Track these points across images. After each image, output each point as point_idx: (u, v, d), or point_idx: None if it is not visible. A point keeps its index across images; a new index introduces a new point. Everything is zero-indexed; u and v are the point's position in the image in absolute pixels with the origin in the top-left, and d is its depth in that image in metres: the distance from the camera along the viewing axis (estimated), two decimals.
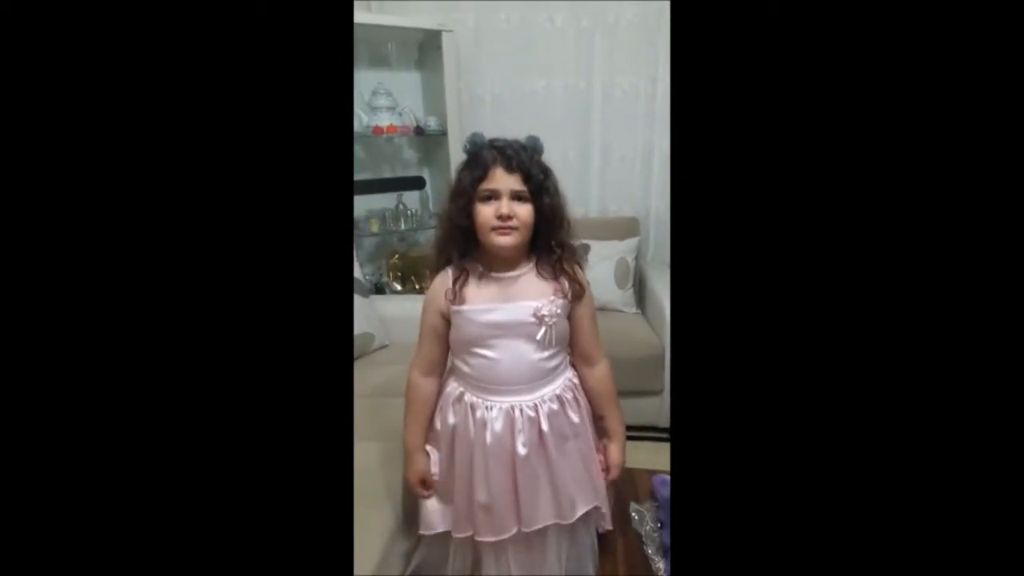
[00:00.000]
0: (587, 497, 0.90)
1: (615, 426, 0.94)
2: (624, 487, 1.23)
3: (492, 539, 0.88)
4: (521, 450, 0.84)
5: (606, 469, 0.94)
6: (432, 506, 0.95)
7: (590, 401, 0.93)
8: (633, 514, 1.18)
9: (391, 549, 0.96)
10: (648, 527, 1.14)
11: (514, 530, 0.88)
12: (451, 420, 0.89)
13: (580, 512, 0.89)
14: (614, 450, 0.94)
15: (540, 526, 0.88)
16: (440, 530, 0.94)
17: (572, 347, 0.92)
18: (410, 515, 1.01)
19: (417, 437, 0.93)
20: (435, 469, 0.93)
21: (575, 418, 0.89)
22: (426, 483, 0.93)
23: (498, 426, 0.85)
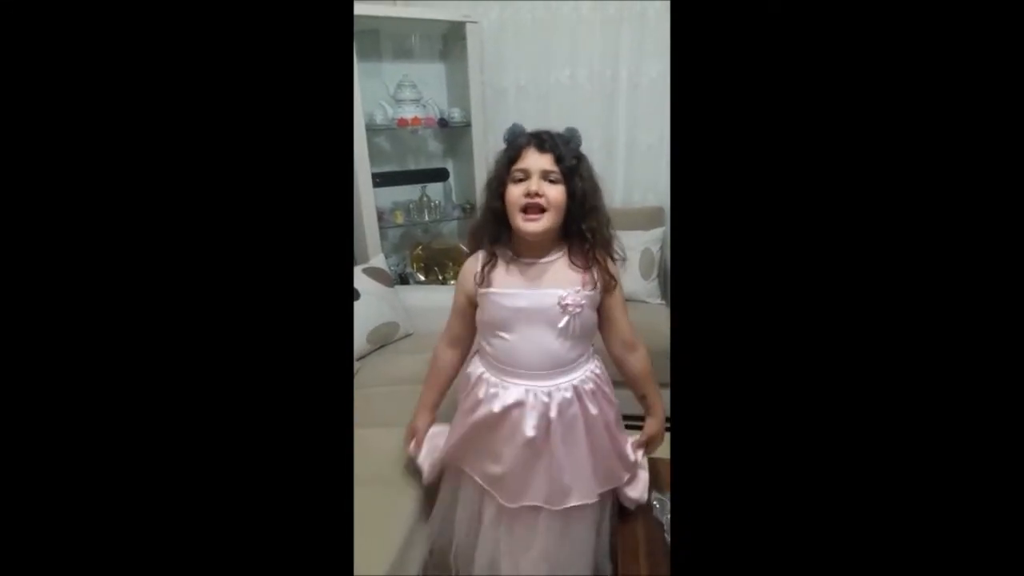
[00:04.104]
0: (584, 492, 0.90)
1: (656, 402, 0.96)
2: None
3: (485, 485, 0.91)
4: (529, 432, 0.85)
5: (643, 444, 0.97)
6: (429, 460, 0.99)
7: (633, 383, 0.95)
8: (655, 503, 1.18)
9: (415, 532, 0.98)
10: (669, 516, 1.14)
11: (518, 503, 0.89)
12: (471, 399, 0.91)
13: (572, 503, 0.89)
14: (652, 423, 0.96)
15: (526, 504, 0.89)
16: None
17: (612, 337, 0.92)
18: (432, 496, 1.03)
19: (426, 396, 1.00)
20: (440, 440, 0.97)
21: (593, 410, 0.88)
22: (416, 438, 0.99)
23: (508, 403, 0.86)
